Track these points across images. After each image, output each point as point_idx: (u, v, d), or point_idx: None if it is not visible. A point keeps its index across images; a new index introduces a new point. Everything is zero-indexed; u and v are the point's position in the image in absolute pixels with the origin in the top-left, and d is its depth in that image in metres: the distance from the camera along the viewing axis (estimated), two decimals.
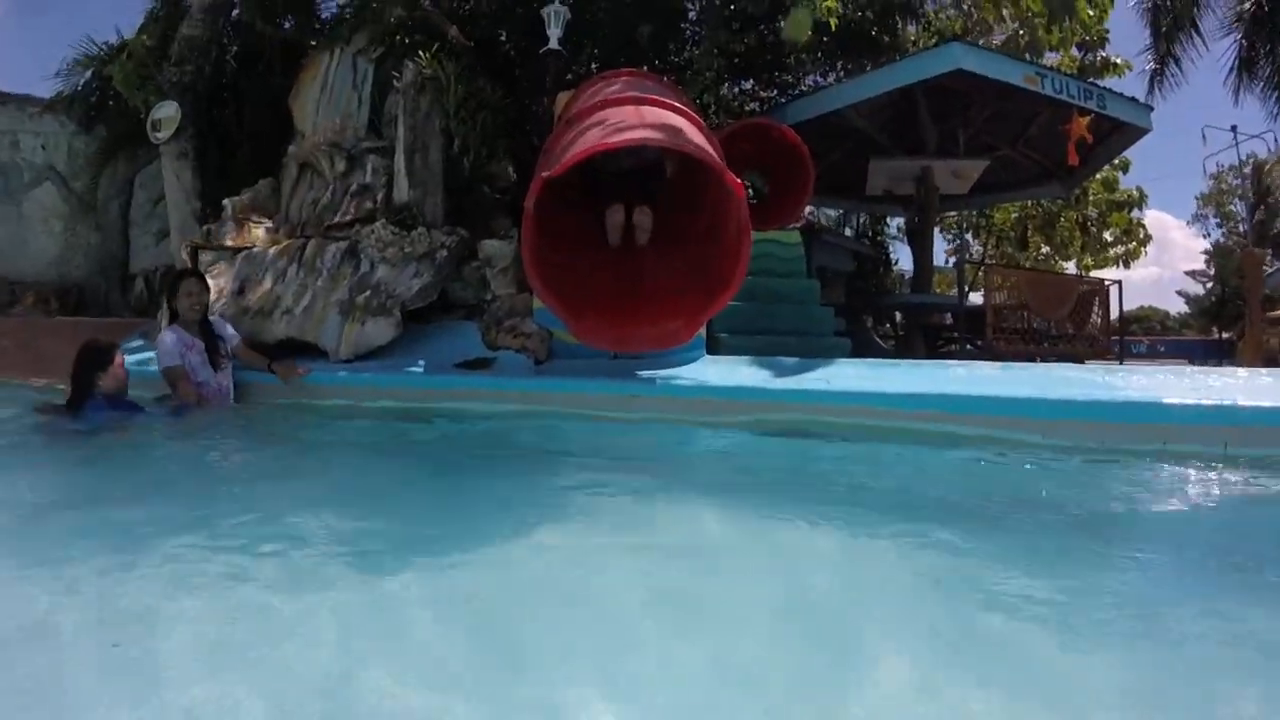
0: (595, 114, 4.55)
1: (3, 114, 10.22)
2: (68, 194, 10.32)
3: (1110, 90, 10.08)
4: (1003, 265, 15.16)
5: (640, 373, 4.44)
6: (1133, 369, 6.00)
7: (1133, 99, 10.46)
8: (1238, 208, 33.94)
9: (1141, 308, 41.39)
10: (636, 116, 4.48)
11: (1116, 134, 10.54)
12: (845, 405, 3.66)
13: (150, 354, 5.15)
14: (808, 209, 14.67)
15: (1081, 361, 9.51)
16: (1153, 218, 63.82)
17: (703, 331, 4.94)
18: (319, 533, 2.19)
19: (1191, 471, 2.95)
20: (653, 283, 4.74)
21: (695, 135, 4.42)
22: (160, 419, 4.29)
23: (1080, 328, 9.91)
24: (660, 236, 4.94)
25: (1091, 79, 12.84)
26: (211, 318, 4.88)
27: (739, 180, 4.18)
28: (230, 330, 4.97)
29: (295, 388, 4.78)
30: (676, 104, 4.81)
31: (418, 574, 1.87)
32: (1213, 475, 2.90)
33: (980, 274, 11.15)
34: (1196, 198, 33.63)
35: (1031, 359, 8.45)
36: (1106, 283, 10.13)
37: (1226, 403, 3.25)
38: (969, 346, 8.20)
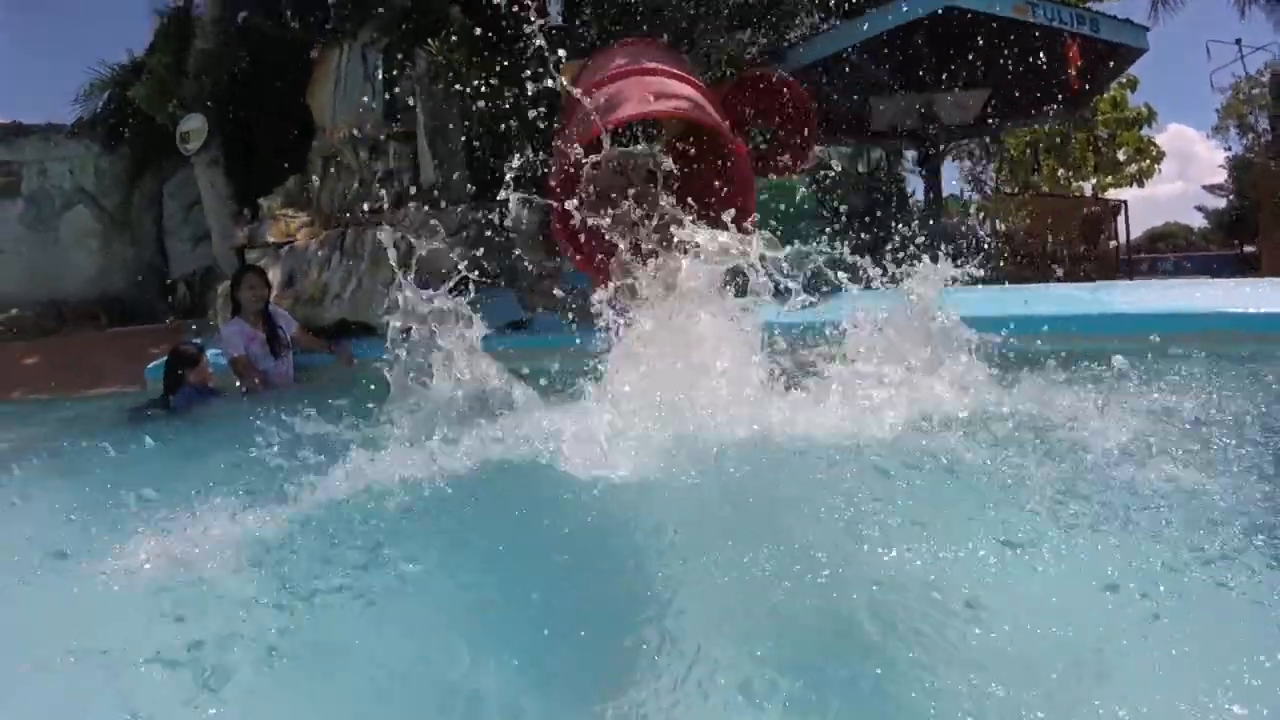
0: (610, 84, 4.84)
1: (29, 145, 10.64)
2: (100, 212, 10.74)
3: (1103, 14, 10.15)
4: (1007, 194, 15.24)
5: None
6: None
7: (1127, 20, 10.51)
8: (1257, 119, 33.24)
9: (1167, 224, 40.67)
10: (645, 88, 4.77)
11: (1114, 56, 10.60)
12: None
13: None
14: (819, 150, 14.85)
15: (1092, 280, 9.75)
16: (1175, 132, 62.40)
17: None
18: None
19: None
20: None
21: (702, 101, 4.71)
22: (236, 402, 4.71)
23: (1091, 248, 10.10)
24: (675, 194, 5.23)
25: (1090, 2, 12.87)
26: (271, 308, 5.26)
27: (740, 143, 4.46)
28: (289, 318, 5.36)
29: (350, 369, 5.18)
30: (681, 73, 5.08)
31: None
32: None
33: (977, 205, 11.31)
34: (1216, 110, 32.96)
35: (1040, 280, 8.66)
36: (1112, 203, 10.26)
37: None
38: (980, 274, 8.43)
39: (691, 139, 5.28)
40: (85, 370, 7.58)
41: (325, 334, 5.53)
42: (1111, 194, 19.84)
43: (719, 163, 4.99)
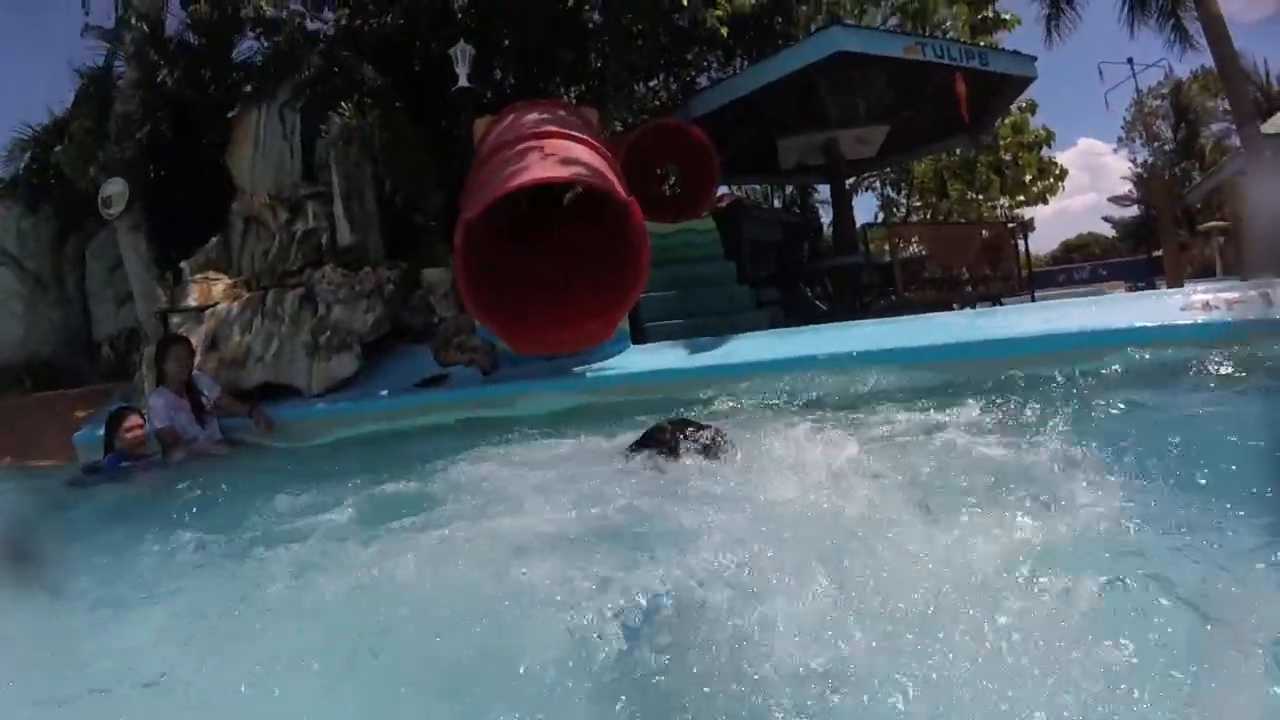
0: (508, 150, 5.21)
1: None
2: (23, 274, 10.64)
3: (990, 49, 10.89)
4: (904, 224, 15.98)
5: (574, 369, 5.11)
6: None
7: (1014, 52, 11.31)
8: (1161, 129, 35.07)
9: (1081, 235, 42.55)
10: (544, 150, 5.14)
11: (1006, 85, 11.35)
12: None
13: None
14: (735, 188, 15.44)
15: (999, 301, 10.37)
16: (1085, 146, 65.22)
17: (625, 325, 5.60)
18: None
19: None
20: (572, 292, 5.40)
21: (596, 162, 5.09)
22: (163, 468, 4.91)
23: (995, 269, 10.73)
24: (575, 248, 5.60)
25: (983, 36, 13.72)
26: (194, 374, 5.45)
27: (633, 198, 4.83)
28: (211, 383, 5.56)
29: (269, 435, 5.38)
30: (577, 134, 5.46)
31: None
32: None
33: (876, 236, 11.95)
34: (1122, 126, 34.68)
35: (946, 306, 9.22)
36: (1009, 224, 10.92)
37: None
38: (882, 302, 8.96)
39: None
40: (17, 438, 7.54)
41: (247, 397, 5.73)
42: (1024, 211, 20.93)
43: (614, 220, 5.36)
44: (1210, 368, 3.61)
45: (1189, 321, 4.36)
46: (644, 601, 1.77)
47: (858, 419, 3.43)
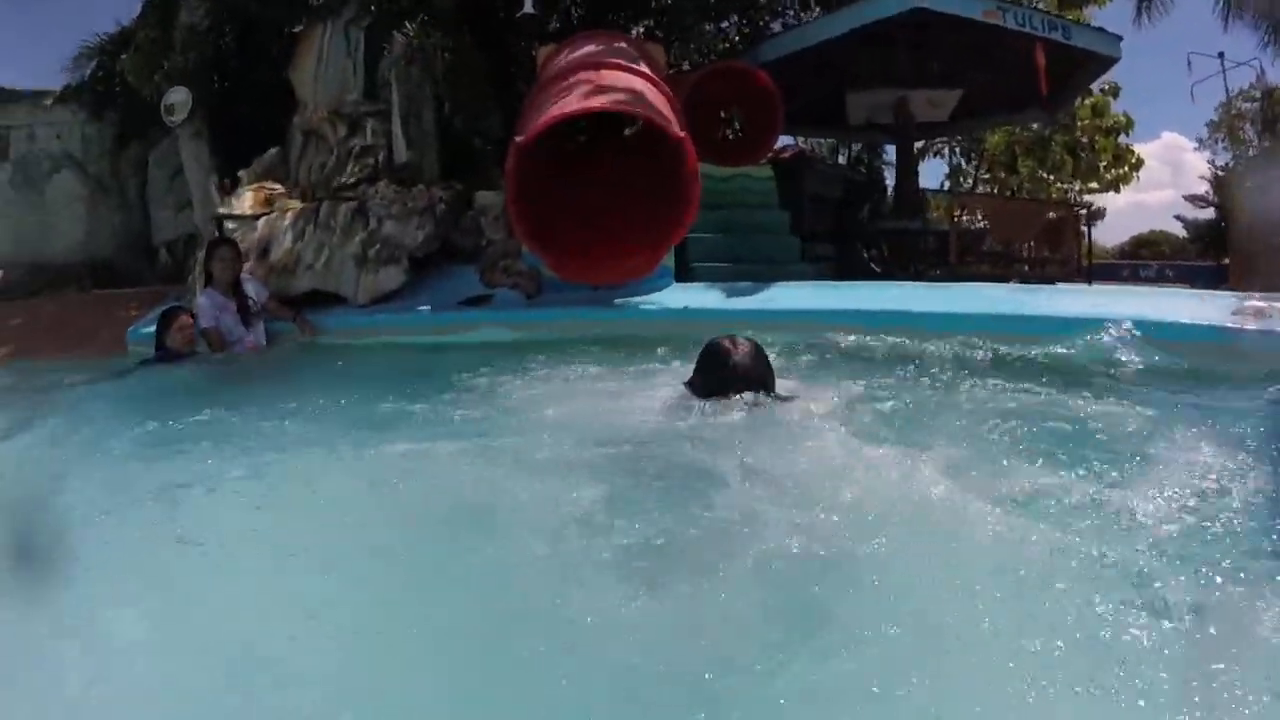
0: (564, 80, 5.16)
1: (18, 110, 10.77)
2: (86, 178, 10.90)
3: (1075, 22, 10.41)
4: (968, 194, 15.52)
5: (616, 300, 5.07)
6: None
7: (1100, 29, 10.79)
8: (1248, 133, 33.40)
9: (1153, 231, 40.85)
10: (598, 82, 5.08)
11: (1088, 63, 10.87)
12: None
13: None
14: (801, 140, 15.11)
15: (1053, 283, 10.03)
16: (1169, 140, 62.30)
17: (671, 261, 5.54)
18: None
19: None
20: (620, 224, 5.35)
21: (652, 96, 5.01)
22: (206, 365, 5.01)
23: (1055, 251, 10.38)
24: (628, 182, 5.53)
25: (1070, 10, 13.12)
26: (243, 277, 5.52)
27: (687, 135, 4.74)
28: (259, 286, 5.63)
29: (311, 337, 5.53)
30: (636, 67, 5.37)
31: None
32: None
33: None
34: (1207, 124, 33.05)
35: (1001, 281, 8.95)
36: (1078, 209, 10.55)
37: None
38: (937, 270, 8.75)
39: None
40: (71, 332, 7.80)
41: (294, 303, 5.80)
42: (1096, 198, 20.19)
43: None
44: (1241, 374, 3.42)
45: (1234, 326, 4.07)
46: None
47: (886, 379, 3.31)
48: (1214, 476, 2.04)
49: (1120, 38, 10.89)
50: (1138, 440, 2.45)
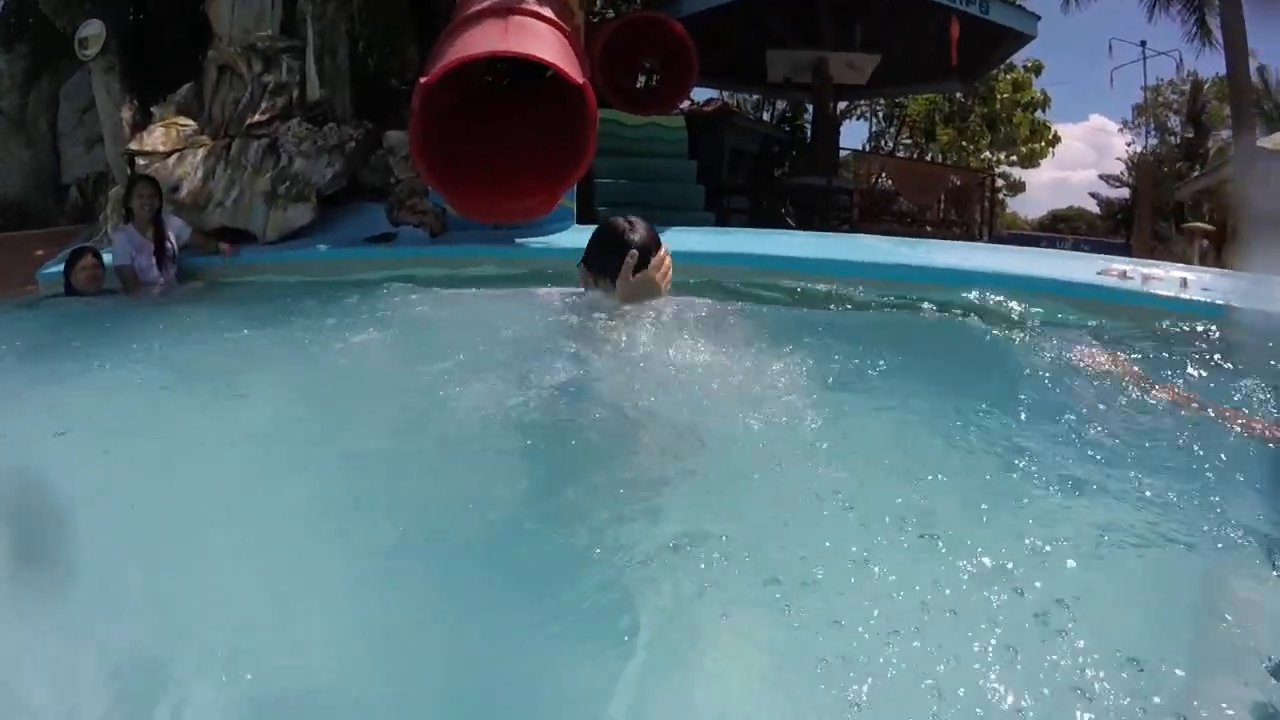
0: (475, 24, 5.29)
1: None
2: None
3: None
4: (873, 154, 15.97)
5: (516, 239, 5.28)
6: None
7: (1019, 7, 11.22)
8: (1173, 122, 34.71)
9: (1070, 208, 42.26)
10: (506, 26, 5.22)
11: (1005, 38, 11.31)
12: None
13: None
14: (726, 95, 15.33)
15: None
16: (1096, 122, 64.51)
17: (572, 205, 5.76)
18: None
19: None
20: (522, 166, 5.53)
21: (558, 43, 5.18)
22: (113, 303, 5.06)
23: (961, 215, 10.88)
24: (534, 125, 5.71)
25: None
26: (165, 217, 5.52)
27: (588, 83, 4.93)
28: (182, 224, 5.64)
29: (234, 262, 5.58)
30: (545, 14, 5.52)
31: None
32: None
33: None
34: (1133, 107, 34.18)
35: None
36: (983, 176, 11.04)
37: None
38: (845, 227, 9.13)
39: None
40: None
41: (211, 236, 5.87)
42: (1015, 171, 20.88)
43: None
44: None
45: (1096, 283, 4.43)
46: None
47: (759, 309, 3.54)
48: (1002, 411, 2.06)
49: (1038, 17, 11.38)
50: (954, 371, 2.62)
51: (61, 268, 5.28)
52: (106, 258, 5.31)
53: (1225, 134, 30.79)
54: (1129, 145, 33.62)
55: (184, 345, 3.30)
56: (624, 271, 2.21)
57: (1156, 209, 21.17)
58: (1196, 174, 25.38)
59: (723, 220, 7.88)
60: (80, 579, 1.36)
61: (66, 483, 1.74)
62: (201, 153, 6.74)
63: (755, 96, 16.92)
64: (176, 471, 1.84)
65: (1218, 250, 16.78)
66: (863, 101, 16.87)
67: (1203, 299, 4.01)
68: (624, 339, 2.08)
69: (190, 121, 7.46)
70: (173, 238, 5.48)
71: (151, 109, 7.63)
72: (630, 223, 2.32)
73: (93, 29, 8.42)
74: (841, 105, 14.22)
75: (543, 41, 5.12)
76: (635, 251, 2.22)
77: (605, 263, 2.28)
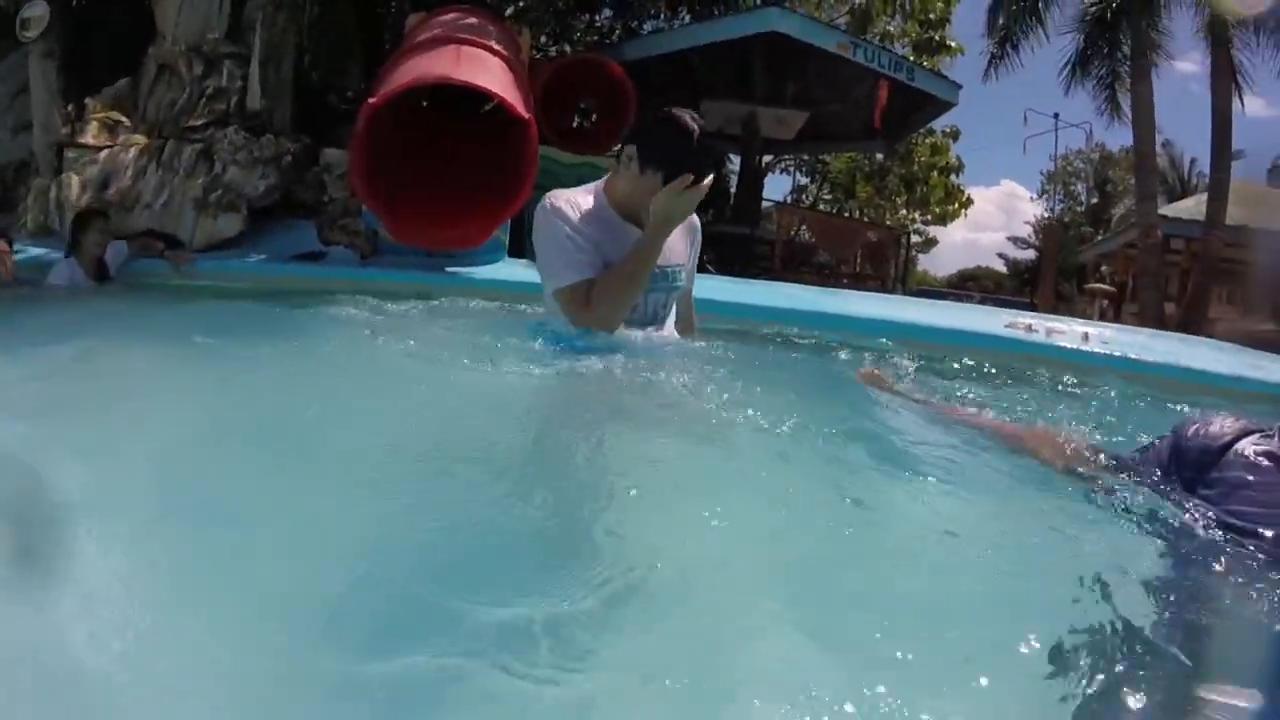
0: (426, 50, 5.53)
1: None
2: None
3: (922, 67, 11.56)
4: (794, 207, 16.74)
5: (448, 268, 5.50)
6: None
7: (941, 75, 12.01)
8: (1080, 189, 37.16)
9: (978, 267, 44.43)
10: (457, 56, 5.47)
11: (927, 104, 12.08)
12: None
13: None
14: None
15: None
16: (1008, 188, 68.93)
17: (505, 239, 6.00)
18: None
19: None
20: (459, 195, 5.77)
21: (506, 76, 5.44)
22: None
23: (876, 269, 11.53)
24: (475, 156, 5.96)
25: (925, 55, 14.47)
26: (111, 243, 5.28)
27: (530, 117, 5.21)
28: (122, 250, 5.36)
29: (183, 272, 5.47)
30: (496, 47, 5.79)
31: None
32: None
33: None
34: (1042, 173, 36.43)
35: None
36: (898, 232, 11.74)
37: None
38: (765, 275, 9.61)
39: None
40: None
41: (165, 239, 5.85)
42: (929, 229, 22.00)
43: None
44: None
45: (1002, 335, 4.91)
46: None
47: None
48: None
49: (959, 86, 12.17)
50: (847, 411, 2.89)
51: None
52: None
53: (1128, 202, 33.14)
54: (1048, 214, 35.76)
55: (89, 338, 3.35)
56: (679, 183, 2.00)
57: (1061, 270, 22.67)
58: (1100, 238, 27.21)
59: None
60: None
61: None
62: (133, 152, 6.75)
63: None
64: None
65: (1116, 310, 18.09)
66: (788, 156, 17.66)
67: (1102, 351, 4.53)
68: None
69: (124, 118, 7.44)
70: (113, 270, 5.26)
71: (86, 100, 7.57)
72: (691, 117, 2.09)
73: (36, 10, 8.25)
74: (767, 158, 14.84)
75: (492, 74, 5.37)
76: (713, 174, 2.05)
77: (668, 156, 2.02)
